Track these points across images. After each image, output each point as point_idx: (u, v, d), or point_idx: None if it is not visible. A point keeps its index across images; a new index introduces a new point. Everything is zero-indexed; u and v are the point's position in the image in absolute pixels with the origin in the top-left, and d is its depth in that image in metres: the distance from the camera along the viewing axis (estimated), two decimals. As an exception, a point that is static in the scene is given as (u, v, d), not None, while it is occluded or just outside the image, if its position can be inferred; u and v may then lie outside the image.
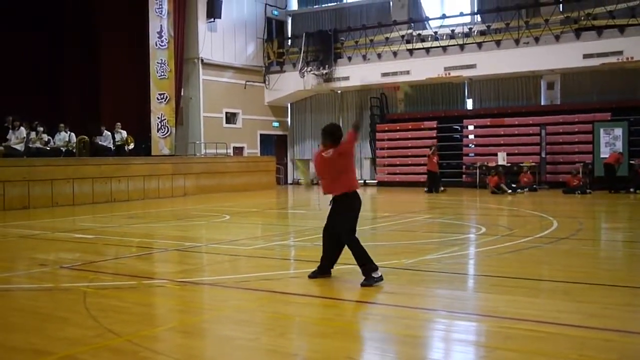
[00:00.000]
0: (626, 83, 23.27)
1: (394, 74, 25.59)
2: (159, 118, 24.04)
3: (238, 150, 27.75)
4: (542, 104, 25.16)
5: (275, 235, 11.44)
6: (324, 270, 6.81)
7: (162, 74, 24.05)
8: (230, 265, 8.20)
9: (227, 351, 4.47)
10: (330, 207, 6.76)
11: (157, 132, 24.04)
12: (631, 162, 21.11)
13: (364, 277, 6.43)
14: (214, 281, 6.90)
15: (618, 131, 21.53)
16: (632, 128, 21.90)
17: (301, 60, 27.69)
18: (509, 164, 23.17)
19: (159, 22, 23.95)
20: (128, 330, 4.92)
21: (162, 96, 24.10)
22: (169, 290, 6.65)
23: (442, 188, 22.44)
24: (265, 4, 28.82)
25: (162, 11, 23.95)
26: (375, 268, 6.43)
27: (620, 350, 4.35)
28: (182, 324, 5.29)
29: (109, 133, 21.60)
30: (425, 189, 22.50)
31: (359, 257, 6.48)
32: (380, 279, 6.40)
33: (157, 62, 23.96)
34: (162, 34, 23.97)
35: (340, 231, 6.59)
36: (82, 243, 10.40)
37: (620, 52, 21.30)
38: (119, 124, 22.14)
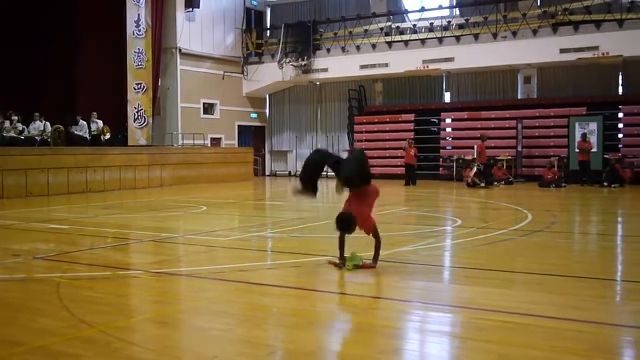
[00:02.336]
0: (601, 78, 23.56)
1: (373, 66, 25.66)
2: (135, 108, 23.80)
3: (215, 141, 27.61)
4: (519, 97, 25.36)
5: (252, 227, 11.40)
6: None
7: (140, 63, 23.80)
8: (207, 256, 8.16)
9: (202, 342, 4.45)
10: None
11: (134, 122, 23.81)
12: (605, 156, 21.38)
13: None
14: (189, 272, 6.87)
15: (593, 125, 21.78)
16: (607, 122, 22.20)
17: (280, 51, 27.61)
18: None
19: (137, 11, 23.66)
20: (102, 320, 4.88)
21: (139, 86, 23.86)
22: (144, 281, 6.61)
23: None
24: (245, -6, 28.70)
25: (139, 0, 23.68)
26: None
27: (593, 341, 4.41)
28: (157, 315, 5.26)
29: (85, 123, 21.34)
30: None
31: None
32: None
33: (134, 52, 23.70)
34: (140, 22, 23.70)
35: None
36: (57, 233, 10.30)
37: (596, 47, 21.54)
38: (95, 113, 21.86)
